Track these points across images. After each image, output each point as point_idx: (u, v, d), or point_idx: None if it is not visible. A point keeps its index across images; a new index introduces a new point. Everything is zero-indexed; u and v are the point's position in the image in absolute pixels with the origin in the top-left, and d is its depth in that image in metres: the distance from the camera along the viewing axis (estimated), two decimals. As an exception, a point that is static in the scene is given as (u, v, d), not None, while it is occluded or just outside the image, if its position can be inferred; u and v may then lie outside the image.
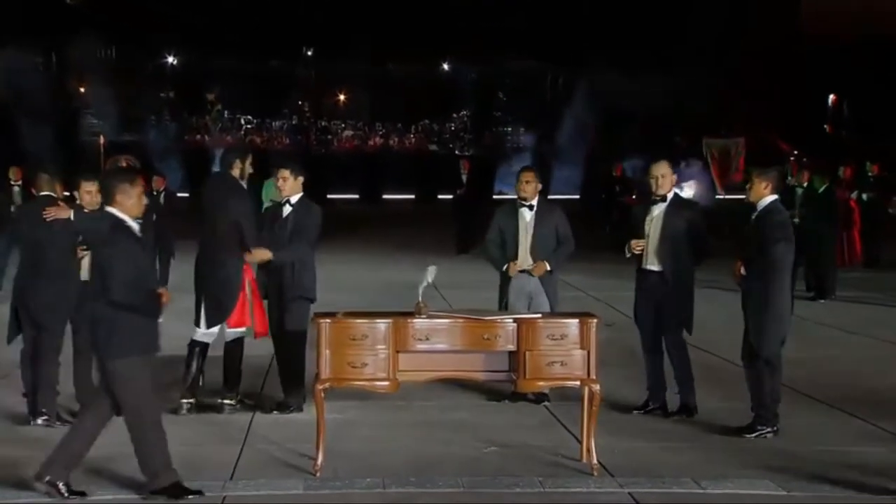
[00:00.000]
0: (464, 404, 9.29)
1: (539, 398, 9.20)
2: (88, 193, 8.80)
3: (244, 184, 9.09)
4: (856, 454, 7.77)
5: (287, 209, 9.16)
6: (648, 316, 8.86)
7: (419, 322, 7.25)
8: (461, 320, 7.29)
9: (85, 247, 8.44)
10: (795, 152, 35.33)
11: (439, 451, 7.79)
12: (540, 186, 9.43)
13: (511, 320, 7.36)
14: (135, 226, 6.61)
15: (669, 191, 8.87)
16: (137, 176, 6.78)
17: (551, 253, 9.31)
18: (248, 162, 9.05)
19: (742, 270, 8.16)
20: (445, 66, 46.54)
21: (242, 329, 9.06)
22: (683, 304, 8.78)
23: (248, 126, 46.47)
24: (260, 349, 9.75)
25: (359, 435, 8.20)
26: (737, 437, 8.10)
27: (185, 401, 8.90)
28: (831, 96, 46.52)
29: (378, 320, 7.24)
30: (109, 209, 6.63)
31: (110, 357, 6.53)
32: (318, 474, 7.16)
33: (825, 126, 46.89)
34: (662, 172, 8.87)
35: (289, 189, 9.09)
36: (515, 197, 9.51)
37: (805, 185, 17.80)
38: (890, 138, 34.48)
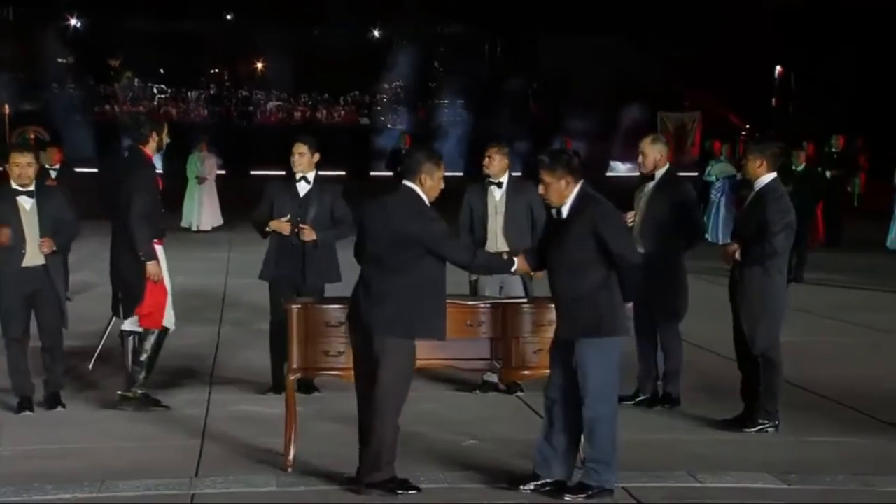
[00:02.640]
0: (431, 395, 9.30)
1: (512, 388, 9.26)
2: (18, 166, 8.67)
3: (158, 157, 8.94)
4: (852, 445, 7.96)
5: (304, 186, 9.25)
6: (642, 303, 8.90)
7: (398, 308, 7.23)
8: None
9: None
10: (747, 126, 35.82)
11: (415, 445, 7.76)
12: (507, 163, 9.44)
13: (496, 306, 7.38)
14: (429, 203, 6.74)
15: (657, 168, 8.89)
16: (441, 157, 6.88)
17: (527, 235, 9.34)
18: (164, 133, 8.84)
19: (738, 255, 8.16)
20: (376, 33, 46.30)
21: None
22: (670, 291, 8.83)
23: (162, 96, 45.78)
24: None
25: (324, 429, 8.18)
26: (732, 430, 8.20)
27: (142, 391, 8.79)
28: (777, 68, 47.05)
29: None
30: (409, 184, 6.71)
31: (390, 335, 6.57)
32: (289, 470, 7.15)
33: (772, 100, 47.46)
34: (642, 149, 8.93)
35: (306, 165, 9.24)
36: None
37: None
38: (837, 111, 35.05)
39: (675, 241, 8.83)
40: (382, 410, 6.64)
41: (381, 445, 6.66)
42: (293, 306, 7.26)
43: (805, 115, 38.74)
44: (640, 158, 8.97)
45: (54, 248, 8.72)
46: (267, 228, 9.23)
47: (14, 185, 8.69)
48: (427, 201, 6.74)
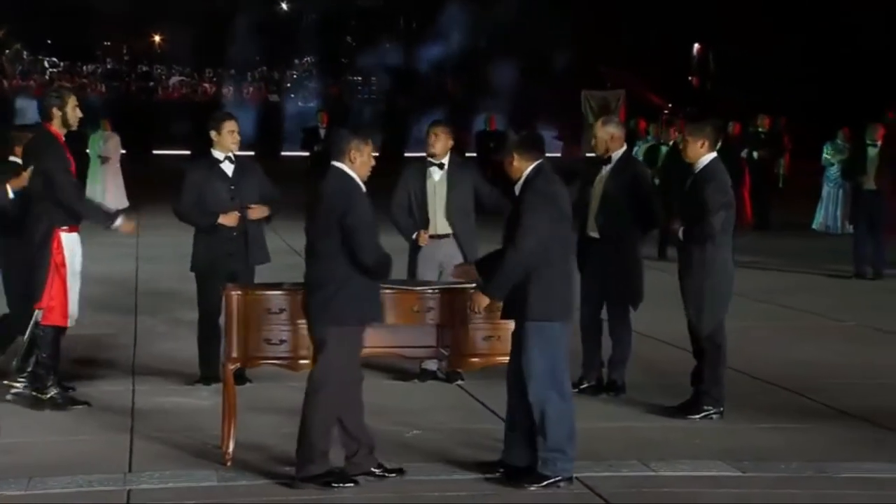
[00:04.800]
0: (369, 385, 9.02)
1: (451, 377, 9.30)
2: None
3: (64, 131, 8.68)
4: (800, 431, 8.16)
5: (229, 166, 9.22)
6: (591, 289, 8.99)
7: (343, 293, 7.22)
8: (388, 291, 7.28)
9: None
10: (670, 105, 36.18)
11: (356, 436, 7.79)
12: (451, 143, 9.49)
13: (444, 291, 7.41)
14: (362, 185, 6.73)
15: (610, 151, 8.99)
16: (370, 136, 6.92)
17: (470, 217, 9.40)
18: (69, 107, 8.63)
19: (680, 235, 8.30)
20: (284, 5, 45.92)
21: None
22: (627, 277, 8.93)
23: (54, 70, 44.90)
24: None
25: (261, 421, 8.14)
26: (678, 417, 8.34)
27: (55, 390, 8.65)
28: (696, 46, 47.56)
29: (298, 292, 7.18)
30: (338, 164, 6.72)
31: (325, 323, 6.63)
32: (229, 463, 7.13)
33: (690, 78, 47.97)
34: (594, 132, 9.04)
35: (238, 143, 9.22)
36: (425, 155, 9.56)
37: (671, 143, 18.35)
38: (758, 90, 35.52)
39: (632, 226, 8.94)
40: (315, 401, 6.69)
41: (314, 437, 6.68)
42: (233, 292, 7.21)
43: (725, 94, 39.22)
44: (593, 142, 9.08)
45: None
46: (219, 222, 9.07)
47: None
48: (359, 181, 6.75)
